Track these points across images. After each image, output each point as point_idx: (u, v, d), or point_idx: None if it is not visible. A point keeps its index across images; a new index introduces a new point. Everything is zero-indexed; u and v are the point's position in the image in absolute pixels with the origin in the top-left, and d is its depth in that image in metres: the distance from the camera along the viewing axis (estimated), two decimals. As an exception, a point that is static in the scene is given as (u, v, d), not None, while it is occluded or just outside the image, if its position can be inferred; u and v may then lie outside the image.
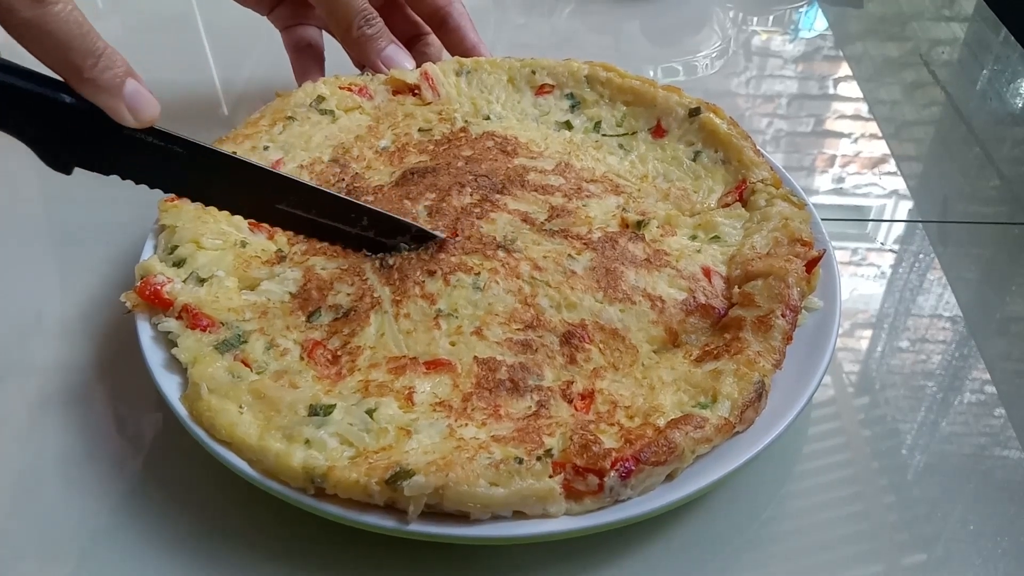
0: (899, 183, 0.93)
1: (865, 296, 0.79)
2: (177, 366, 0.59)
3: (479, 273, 0.65)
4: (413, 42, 0.90)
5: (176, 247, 0.66)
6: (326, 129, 0.80)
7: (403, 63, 0.85)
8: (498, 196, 0.72)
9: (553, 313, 0.63)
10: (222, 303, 0.63)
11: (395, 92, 0.85)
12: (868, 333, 0.76)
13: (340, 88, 0.83)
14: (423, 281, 0.64)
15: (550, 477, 0.51)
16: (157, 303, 0.62)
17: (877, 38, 1.24)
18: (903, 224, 0.88)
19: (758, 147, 0.77)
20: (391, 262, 0.66)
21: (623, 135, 0.82)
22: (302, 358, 0.60)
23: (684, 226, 0.72)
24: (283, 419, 0.55)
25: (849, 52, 1.18)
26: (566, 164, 0.77)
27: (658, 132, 0.81)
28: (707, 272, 0.67)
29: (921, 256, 0.84)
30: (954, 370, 0.71)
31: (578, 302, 0.63)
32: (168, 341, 0.60)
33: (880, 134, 1.01)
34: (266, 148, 0.76)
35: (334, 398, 0.57)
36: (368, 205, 0.67)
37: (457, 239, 0.68)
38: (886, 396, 0.69)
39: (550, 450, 0.52)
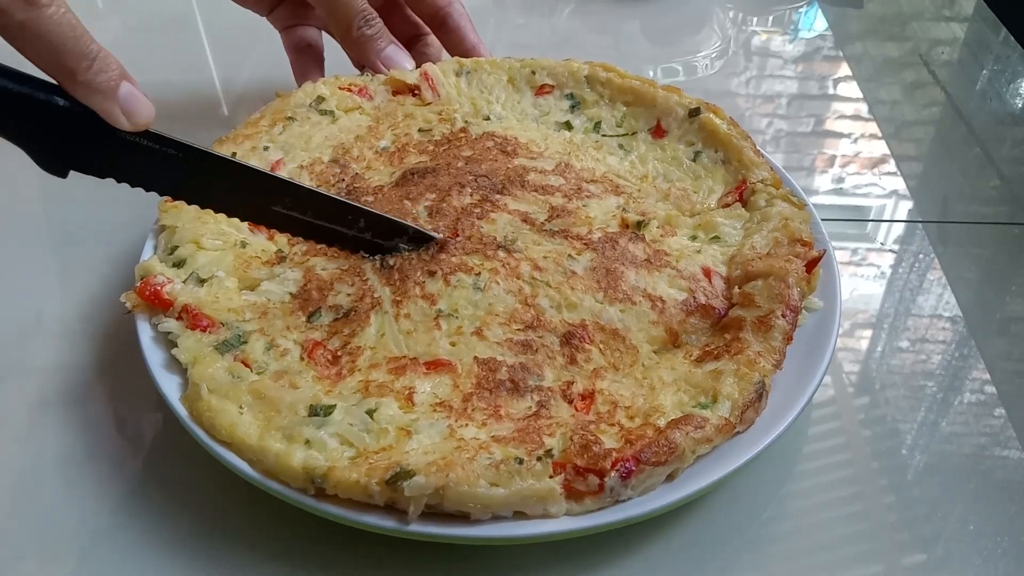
0: (899, 183, 0.93)
1: (865, 296, 0.79)
2: (177, 366, 0.59)
3: (479, 273, 0.65)
4: (413, 42, 0.90)
5: (176, 247, 0.66)
6: (326, 129, 0.80)
7: (403, 63, 0.85)
8: (498, 196, 0.72)
9: (553, 313, 0.63)
10: (222, 303, 0.63)
11: (395, 92, 0.85)
12: (868, 333, 0.76)
13: (340, 88, 0.83)
14: (423, 281, 0.64)
15: (550, 477, 0.51)
16: (157, 303, 0.62)
17: (877, 38, 1.24)
18: (903, 224, 0.88)
19: (758, 147, 0.77)
20: (391, 262, 0.66)
21: (623, 135, 0.82)
22: (302, 358, 0.60)
23: (684, 226, 0.72)
24: (283, 419, 0.55)
25: (849, 52, 1.18)
26: (566, 164, 0.77)
27: (658, 132, 0.81)
28: (707, 272, 0.67)
29: (921, 256, 0.84)
30: (954, 370, 0.71)
31: (578, 302, 0.63)
32: (168, 341, 0.60)
33: (880, 134, 1.01)
34: (266, 148, 0.76)
35: (334, 398, 0.57)
36: (365, 207, 0.67)
37: (457, 239, 0.68)
38: (886, 396, 0.69)
39: (550, 450, 0.52)
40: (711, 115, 0.79)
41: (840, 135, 1.02)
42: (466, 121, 0.83)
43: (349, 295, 0.64)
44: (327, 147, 0.78)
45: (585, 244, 0.68)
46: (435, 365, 0.59)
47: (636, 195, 0.75)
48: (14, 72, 0.52)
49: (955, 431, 0.66)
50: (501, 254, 0.66)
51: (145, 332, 0.61)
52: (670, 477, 0.53)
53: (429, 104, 0.84)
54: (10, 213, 0.86)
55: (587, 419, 0.56)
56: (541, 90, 0.86)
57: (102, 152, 0.56)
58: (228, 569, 0.55)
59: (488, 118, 0.84)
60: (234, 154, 0.74)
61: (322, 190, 0.71)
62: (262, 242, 0.69)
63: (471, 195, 0.72)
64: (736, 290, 0.65)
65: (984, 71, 1.17)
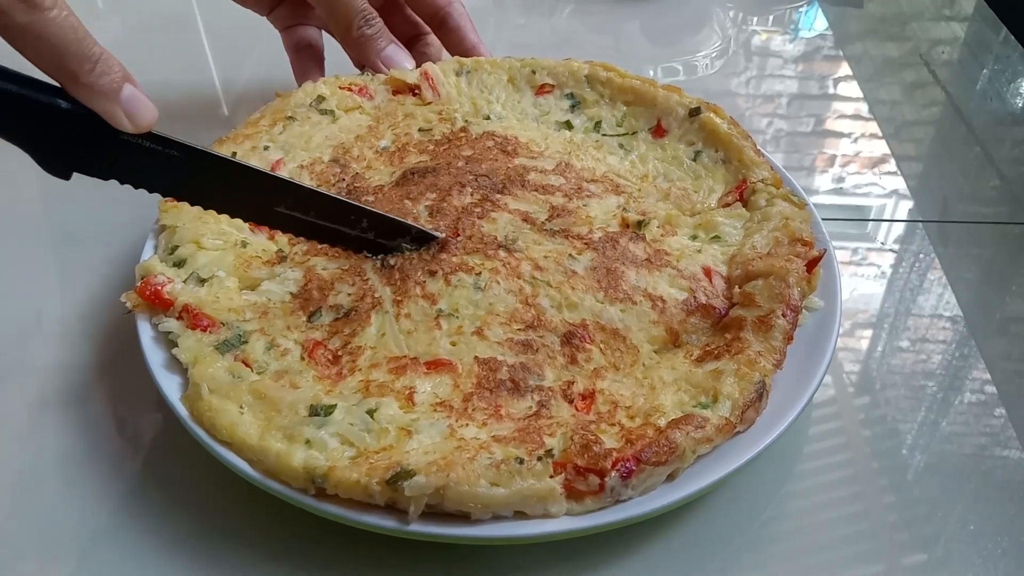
0: (899, 183, 0.93)
1: (865, 296, 0.79)
2: (178, 366, 0.59)
3: (480, 273, 0.65)
4: (413, 42, 0.90)
5: (177, 247, 0.66)
6: (326, 129, 0.80)
7: (403, 63, 0.85)
8: (499, 196, 0.72)
9: (554, 313, 0.63)
10: (222, 303, 0.63)
11: (395, 92, 0.85)
12: (868, 333, 0.76)
13: (340, 88, 0.83)
14: (424, 281, 0.64)
15: (551, 477, 0.51)
16: (157, 303, 0.62)
17: (877, 38, 1.24)
18: (903, 224, 0.88)
19: (758, 147, 0.77)
20: (392, 262, 0.66)
21: (623, 135, 0.82)
22: (303, 358, 0.60)
23: (684, 226, 0.72)
24: (284, 419, 0.55)
25: (849, 52, 1.18)
26: (566, 164, 0.77)
27: (658, 132, 0.81)
28: (708, 272, 0.67)
29: (921, 256, 0.84)
30: (954, 370, 0.71)
31: (579, 302, 0.63)
32: (168, 341, 0.60)
33: (880, 134, 1.01)
34: (266, 148, 0.76)
35: (335, 398, 0.57)
36: (368, 207, 0.67)
37: (458, 239, 0.68)
38: (886, 396, 0.69)
39: (551, 450, 0.52)
40: (711, 115, 0.79)
41: (840, 135, 1.02)
42: (466, 121, 0.83)
43: (350, 295, 0.64)
44: (327, 147, 0.78)
45: (585, 244, 0.68)
46: (435, 365, 0.59)
47: (636, 195, 0.75)
48: (16, 74, 0.52)
49: (955, 431, 0.66)
50: (502, 254, 0.66)
51: (145, 332, 0.61)
52: (670, 477, 0.53)
53: (429, 104, 0.84)
54: (10, 213, 0.86)
55: (587, 419, 0.56)
56: (541, 90, 0.86)
57: (104, 154, 0.56)
58: (228, 569, 0.55)
59: (488, 118, 0.84)
60: (234, 154, 0.74)
61: (324, 190, 0.71)
62: (262, 242, 0.69)
63: (471, 195, 0.72)
64: (736, 290, 0.65)
65: (984, 71, 1.17)
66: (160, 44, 1.14)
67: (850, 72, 1.14)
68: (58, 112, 0.53)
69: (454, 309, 0.63)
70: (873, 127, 1.03)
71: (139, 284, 0.62)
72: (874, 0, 1.32)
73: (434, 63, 0.86)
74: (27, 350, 0.71)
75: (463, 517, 0.51)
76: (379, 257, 0.67)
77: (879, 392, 0.69)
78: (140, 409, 0.65)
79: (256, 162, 0.74)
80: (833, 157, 0.98)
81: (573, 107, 0.85)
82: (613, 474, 0.51)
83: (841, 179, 0.94)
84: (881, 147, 0.99)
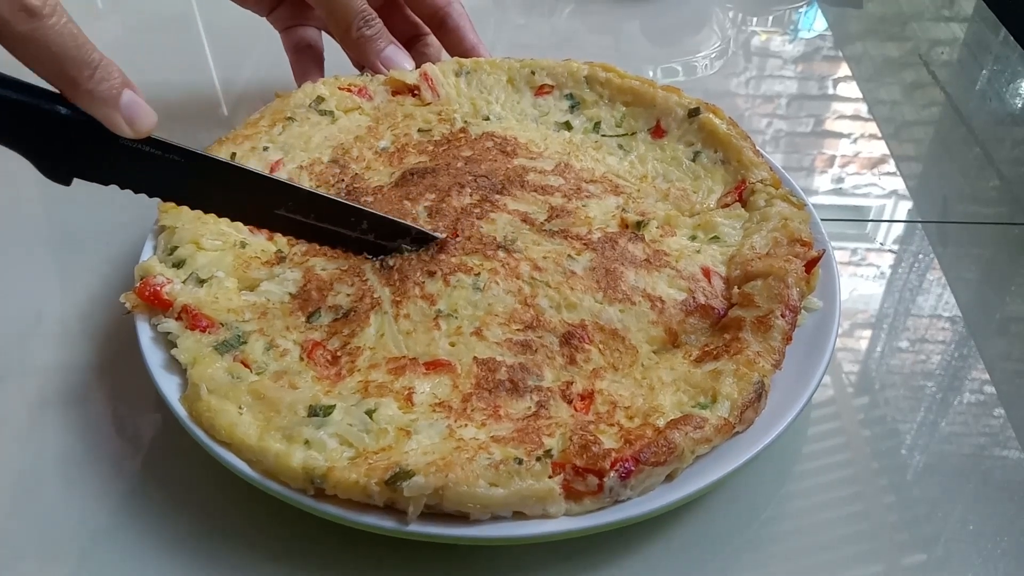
0: (899, 183, 0.93)
1: (865, 296, 0.79)
2: (177, 367, 0.59)
3: (479, 274, 0.65)
4: (412, 43, 0.90)
5: (176, 248, 0.66)
6: (326, 130, 0.80)
7: (402, 64, 0.85)
8: (498, 196, 0.72)
9: (553, 313, 0.63)
10: (222, 304, 0.63)
11: (394, 93, 0.85)
12: (868, 333, 0.76)
13: (339, 89, 0.83)
14: (423, 282, 0.64)
15: (550, 477, 0.51)
16: (157, 304, 0.62)
17: (877, 38, 1.24)
18: (903, 224, 0.88)
19: (757, 147, 0.77)
20: (391, 263, 0.66)
21: (622, 135, 0.82)
22: (302, 359, 0.60)
23: (684, 226, 0.72)
24: (283, 420, 0.55)
25: (849, 52, 1.18)
26: (566, 164, 0.77)
27: (657, 132, 0.81)
28: (707, 272, 0.67)
29: (921, 256, 0.84)
30: (954, 370, 0.71)
31: (578, 302, 0.63)
32: (168, 342, 0.60)
33: (880, 134, 1.01)
34: (266, 149, 0.76)
35: (334, 399, 0.57)
36: (368, 208, 0.67)
37: (457, 239, 0.68)
38: (886, 396, 0.69)
39: (550, 450, 0.52)
40: (711, 115, 0.79)
41: (840, 135, 1.02)
42: (466, 121, 0.83)
43: (348, 295, 0.64)
44: (327, 147, 0.78)
45: (585, 244, 0.68)
46: (434, 365, 0.59)
47: (635, 195, 0.75)
48: (16, 81, 0.52)
49: (955, 431, 0.66)
50: (501, 254, 0.66)
51: (145, 332, 0.61)
52: (669, 477, 0.53)
53: (429, 104, 0.84)
54: (10, 214, 0.86)
55: (586, 419, 0.56)
56: (541, 90, 0.86)
57: (105, 159, 0.57)
58: (228, 569, 0.55)
59: (488, 118, 0.84)
60: (234, 155, 0.74)
61: (324, 192, 0.71)
62: (262, 242, 0.69)
63: (471, 195, 0.72)
64: (735, 290, 0.65)
65: (984, 71, 1.17)
66: (160, 44, 1.14)
67: (849, 72, 1.14)
68: (58, 118, 0.54)
69: (453, 310, 0.63)
70: (872, 127, 1.03)
71: (138, 284, 0.62)
72: (874, 0, 1.32)
73: (433, 64, 0.86)
74: (27, 350, 0.71)
75: (462, 517, 0.51)
76: (378, 258, 0.67)
77: (878, 392, 0.69)
78: (139, 409, 0.65)
79: (255, 163, 0.74)
80: (832, 157, 0.98)
81: (572, 108, 0.85)
82: (612, 474, 0.51)
83: (840, 179, 0.94)
84: (880, 147, 0.99)
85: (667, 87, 0.83)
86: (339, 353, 0.61)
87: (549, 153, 0.79)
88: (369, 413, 0.55)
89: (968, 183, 0.95)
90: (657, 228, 0.70)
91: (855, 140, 1.01)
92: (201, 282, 0.64)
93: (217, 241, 0.67)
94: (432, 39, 0.90)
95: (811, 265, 0.65)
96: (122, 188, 0.58)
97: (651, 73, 1.11)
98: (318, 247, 0.68)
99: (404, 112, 0.83)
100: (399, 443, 0.54)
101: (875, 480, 0.62)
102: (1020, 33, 1.18)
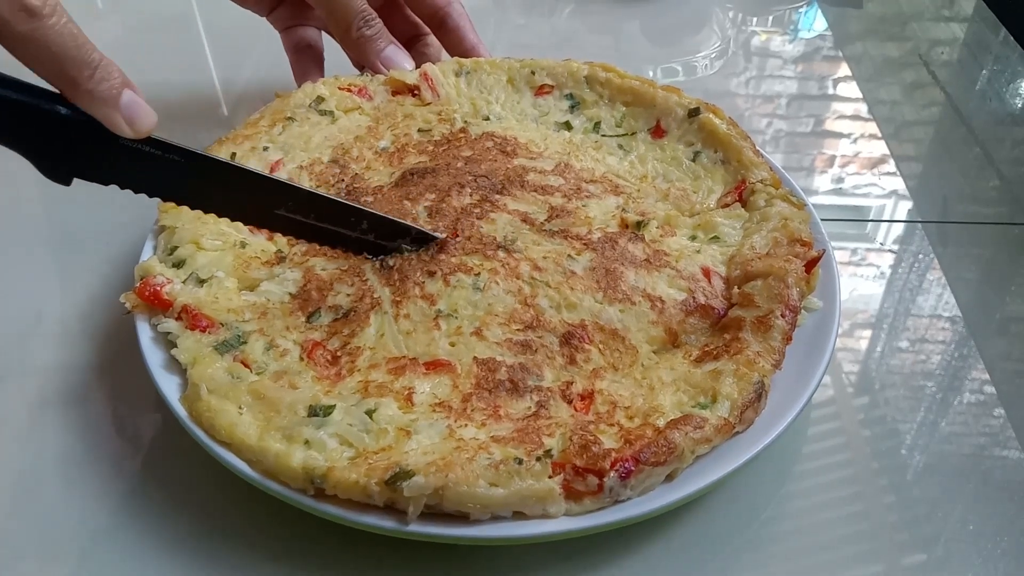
0: (899, 183, 0.93)
1: (865, 296, 0.79)
2: (177, 367, 0.59)
3: (479, 274, 0.65)
4: (412, 43, 0.90)
5: (176, 248, 0.66)
6: (325, 130, 0.80)
7: (402, 64, 0.85)
8: (498, 196, 0.72)
9: (553, 313, 0.63)
10: (222, 304, 0.63)
11: (394, 93, 0.85)
12: (868, 333, 0.76)
13: (339, 89, 0.83)
14: (423, 282, 0.64)
15: (550, 477, 0.51)
16: (157, 304, 0.62)
17: (877, 38, 1.24)
18: (903, 224, 0.88)
19: (757, 147, 0.77)
20: (391, 263, 0.66)
21: (622, 135, 0.82)
22: (302, 359, 0.60)
23: (684, 226, 0.72)
24: (283, 420, 0.55)
25: (849, 52, 1.18)
26: (566, 164, 0.77)
27: (657, 132, 0.81)
28: (707, 272, 0.67)
29: (921, 256, 0.84)
30: (954, 370, 0.71)
31: (578, 302, 0.63)
32: (168, 342, 0.60)
33: (880, 134, 1.01)
34: (266, 149, 0.76)
35: (334, 399, 0.57)
36: (368, 208, 0.67)
37: (457, 239, 0.68)
38: (886, 396, 0.69)
39: (550, 450, 0.52)
40: (710, 115, 0.79)
41: (840, 135, 1.02)
42: (465, 121, 0.83)
43: (348, 295, 0.64)
44: (327, 147, 0.78)
45: (585, 244, 0.68)
46: (434, 365, 0.59)
47: (635, 195, 0.75)
48: (15, 81, 0.52)
49: (955, 431, 0.66)
50: (501, 254, 0.67)
51: (145, 332, 0.61)
52: (669, 477, 0.53)
53: (429, 104, 0.84)
54: (10, 214, 0.86)
55: (586, 419, 0.56)
56: (541, 90, 0.86)
57: (105, 159, 0.57)
58: (228, 569, 0.55)
59: (488, 118, 0.84)
60: (233, 155, 0.74)
61: (324, 192, 0.71)
62: (262, 242, 0.69)
63: (471, 195, 0.72)
64: (735, 290, 0.65)
65: (984, 71, 1.17)
66: (160, 44, 1.14)
67: (849, 72, 1.14)
68: (58, 118, 0.54)
69: (453, 310, 0.63)
70: (872, 127, 1.03)
71: (138, 284, 0.62)
72: (874, 0, 1.32)
73: (433, 64, 0.86)
74: (27, 350, 0.71)
75: (462, 517, 0.51)
76: (378, 258, 0.67)
77: (878, 392, 0.69)
78: (139, 409, 0.65)
79: (255, 163, 0.74)
80: (832, 157, 0.98)
81: (572, 108, 0.85)
82: (612, 474, 0.51)
83: (840, 179, 0.94)
84: (880, 147, 0.99)
85: (667, 87, 0.83)
86: (339, 353, 0.61)
87: (549, 153, 0.79)
88: (369, 413, 0.55)
89: (968, 183, 0.95)
90: (657, 228, 0.70)
91: (855, 140, 1.01)
92: (201, 282, 0.64)
93: (217, 241, 0.67)
94: (432, 39, 0.90)
95: (811, 265, 0.65)
96: (122, 188, 0.58)
97: (651, 73, 1.11)
98: (318, 247, 0.68)
99: (404, 112, 0.83)
100: (399, 443, 0.54)
101: (875, 480, 0.62)
102: (1020, 33, 1.18)
